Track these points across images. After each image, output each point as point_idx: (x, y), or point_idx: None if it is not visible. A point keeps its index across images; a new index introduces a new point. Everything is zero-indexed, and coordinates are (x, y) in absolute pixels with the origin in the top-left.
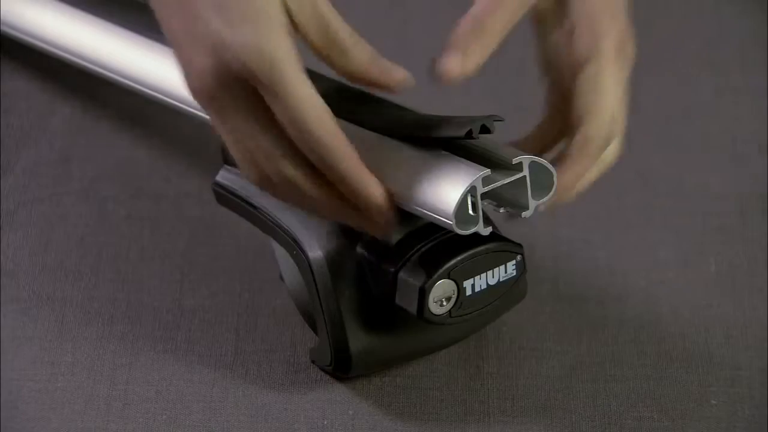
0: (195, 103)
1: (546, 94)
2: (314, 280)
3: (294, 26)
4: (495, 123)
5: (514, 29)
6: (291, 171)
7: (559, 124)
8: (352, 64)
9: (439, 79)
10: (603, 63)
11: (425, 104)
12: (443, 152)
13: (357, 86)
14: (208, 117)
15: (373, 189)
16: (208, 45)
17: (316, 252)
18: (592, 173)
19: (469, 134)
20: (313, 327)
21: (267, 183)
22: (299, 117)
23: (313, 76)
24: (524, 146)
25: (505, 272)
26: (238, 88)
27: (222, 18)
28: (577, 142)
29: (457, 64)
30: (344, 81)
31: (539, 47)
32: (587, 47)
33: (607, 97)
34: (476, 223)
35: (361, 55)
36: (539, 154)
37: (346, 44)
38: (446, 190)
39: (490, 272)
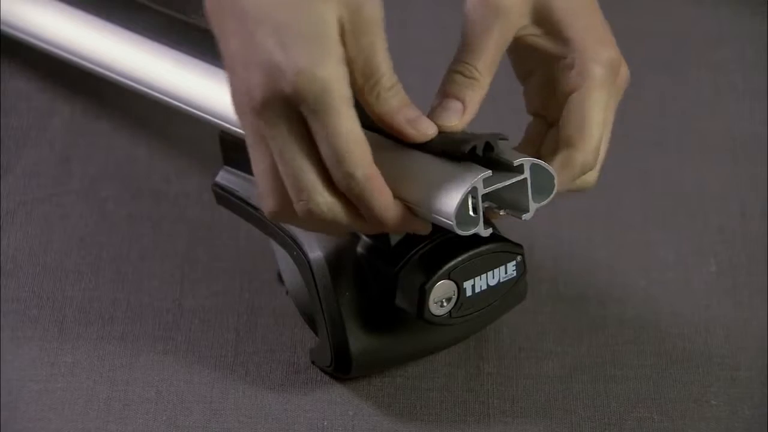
0: (195, 103)
1: (532, 119)
2: (314, 280)
3: (346, 56)
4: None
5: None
6: (318, 198)
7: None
8: (382, 108)
9: (441, 127)
10: (592, 90)
11: (425, 104)
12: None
13: None
14: (241, 132)
15: (394, 220)
16: (263, 65)
17: (316, 252)
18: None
19: (472, 151)
20: (313, 327)
21: (284, 212)
22: (340, 148)
23: None
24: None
25: (506, 273)
26: (285, 111)
27: (278, 40)
28: (563, 162)
29: (457, 119)
30: None
31: (525, 76)
32: (578, 74)
33: (594, 125)
34: (477, 224)
35: (393, 101)
36: (540, 157)
37: (383, 87)
38: (447, 191)
39: (490, 273)
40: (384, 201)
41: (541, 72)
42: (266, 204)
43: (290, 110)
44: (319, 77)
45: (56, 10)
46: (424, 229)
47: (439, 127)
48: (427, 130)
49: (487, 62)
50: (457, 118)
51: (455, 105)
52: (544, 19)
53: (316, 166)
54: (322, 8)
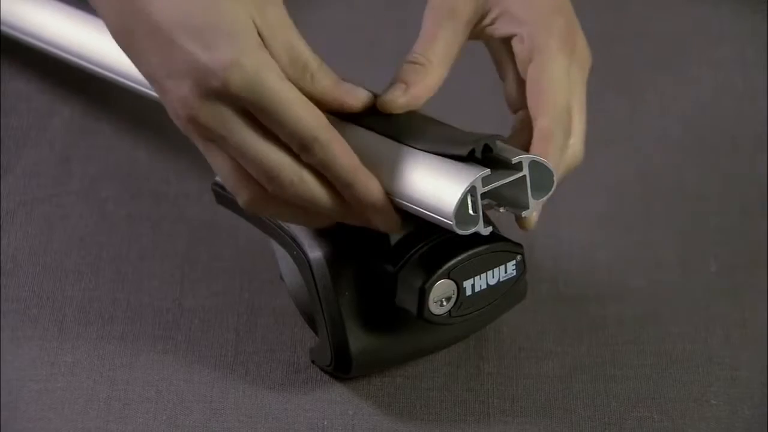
0: None
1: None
2: (314, 280)
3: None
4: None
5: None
6: (288, 172)
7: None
8: (317, 88)
9: (381, 106)
10: (546, 57)
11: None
12: None
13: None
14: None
15: (371, 183)
16: (189, 70)
17: (316, 252)
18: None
19: (471, 153)
20: (313, 327)
21: (260, 202)
22: (292, 118)
23: None
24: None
25: (505, 272)
26: (224, 108)
27: (198, 42)
28: (536, 139)
29: (401, 95)
30: None
31: (503, 74)
32: (529, 48)
33: (554, 87)
34: (476, 223)
35: (326, 80)
36: (539, 154)
37: (313, 70)
38: (446, 190)
39: (490, 272)
40: (350, 162)
41: (512, 65)
42: (240, 198)
43: (229, 104)
44: (246, 65)
45: (56, 11)
46: (395, 226)
47: (382, 101)
48: (363, 95)
49: (437, 51)
50: (400, 92)
51: (398, 85)
52: (493, 8)
53: (276, 144)
54: (234, 7)
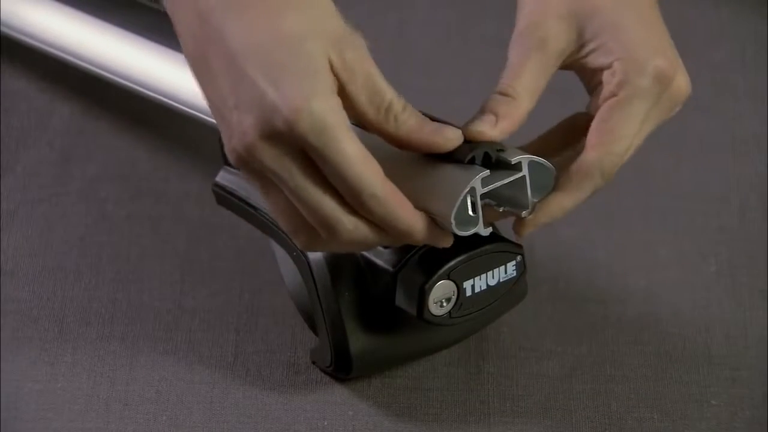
0: (195, 104)
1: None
2: (314, 280)
3: (343, 94)
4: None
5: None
6: (343, 224)
7: (569, 137)
8: (402, 130)
9: (470, 136)
10: (629, 94)
11: (426, 104)
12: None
13: None
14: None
15: (421, 231)
16: (255, 105)
17: (315, 253)
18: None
19: (471, 161)
20: (313, 328)
21: (318, 244)
22: (353, 176)
23: None
24: (528, 149)
25: (505, 273)
26: (284, 149)
27: (268, 77)
28: (584, 167)
29: (491, 128)
30: None
31: (591, 90)
32: (617, 83)
33: (621, 131)
34: (476, 223)
35: (410, 121)
36: (538, 154)
37: (397, 111)
38: (446, 192)
39: (490, 273)
40: (408, 214)
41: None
42: (297, 241)
43: (289, 147)
44: (315, 111)
45: (56, 11)
46: (446, 242)
47: (471, 132)
48: (452, 134)
49: (525, 84)
50: (489, 126)
51: (487, 116)
52: (591, 41)
53: (331, 194)
54: (310, 45)
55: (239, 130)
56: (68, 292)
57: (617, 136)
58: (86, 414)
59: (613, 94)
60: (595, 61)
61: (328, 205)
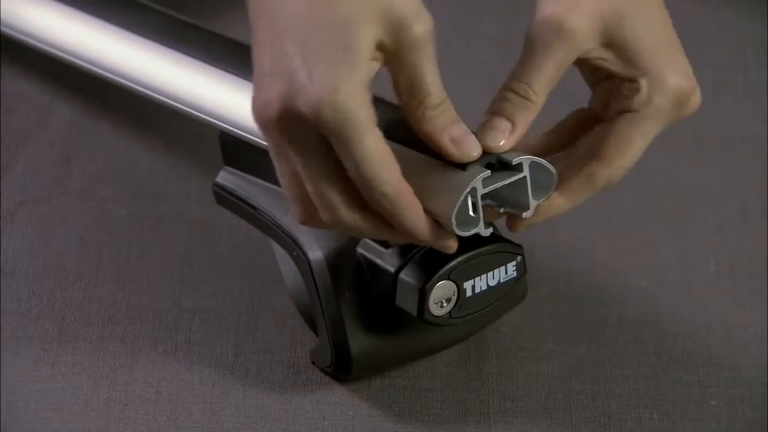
0: (195, 104)
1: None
2: (314, 281)
3: (389, 68)
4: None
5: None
6: (343, 214)
7: (573, 134)
8: (424, 127)
9: (488, 149)
10: (647, 119)
11: None
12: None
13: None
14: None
15: (425, 233)
16: (285, 81)
17: (316, 253)
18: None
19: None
20: (314, 328)
21: (314, 221)
22: (369, 171)
23: None
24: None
25: (506, 273)
26: (303, 130)
27: (305, 59)
28: (589, 173)
29: (506, 140)
30: None
31: (593, 84)
32: (640, 101)
33: (634, 152)
34: (476, 224)
35: (437, 121)
36: (538, 155)
37: (427, 106)
38: (446, 192)
39: (490, 273)
40: (415, 214)
41: (608, 83)
42: (294, 213)
43: (308, 130)
44: (340, 104)
45: (56, 11)
46: (451, 247)
47: (484, 147)
48: (471, 150)
49: (544, 83)
50: (504, 139)
51: (504, 125)
52: (615, 44)
53: (339, 184)
54: (356, 29)
55: (265, 96)
56: (68, 292)
57: (632, 152)
58: (86, 414)
59: (634, 110)
60: (617, 67)
61: (333, 192)
